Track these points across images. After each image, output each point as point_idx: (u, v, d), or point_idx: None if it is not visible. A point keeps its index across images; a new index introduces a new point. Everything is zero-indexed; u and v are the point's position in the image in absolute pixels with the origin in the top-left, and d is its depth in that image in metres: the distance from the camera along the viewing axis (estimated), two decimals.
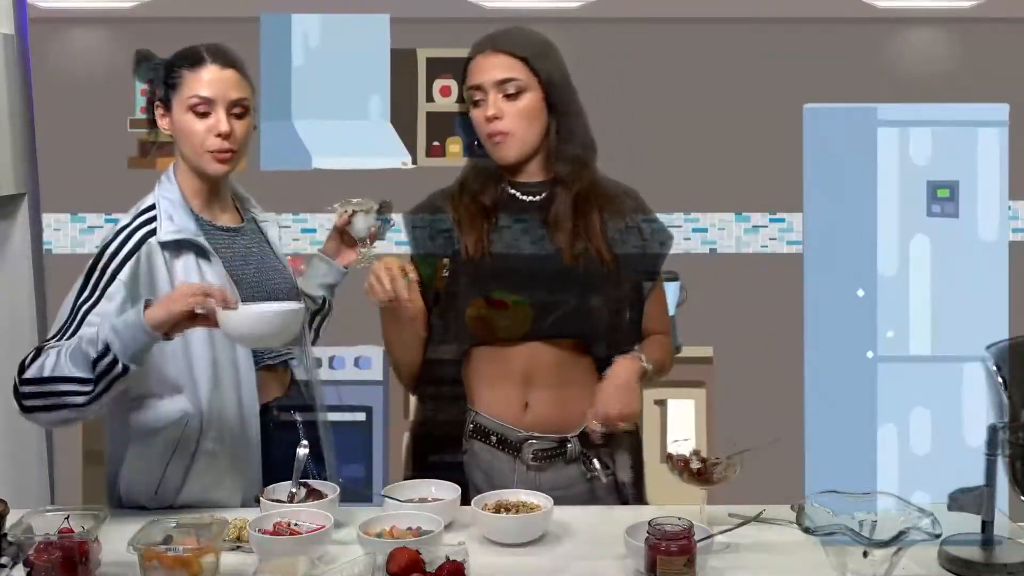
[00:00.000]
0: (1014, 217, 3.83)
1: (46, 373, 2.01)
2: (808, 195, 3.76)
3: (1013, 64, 3.87)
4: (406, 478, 2.32)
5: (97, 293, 2.09)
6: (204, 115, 2.18)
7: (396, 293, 2.14)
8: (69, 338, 2.06)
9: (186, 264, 2.17)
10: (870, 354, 3.66)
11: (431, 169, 4.09)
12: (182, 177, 2.24)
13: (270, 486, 2.13)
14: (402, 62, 4.22)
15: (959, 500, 1.93)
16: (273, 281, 2.31)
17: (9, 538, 1.87)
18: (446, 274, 2.31)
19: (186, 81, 2.19)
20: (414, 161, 4.23)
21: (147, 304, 1.99)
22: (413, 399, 2.48)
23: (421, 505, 2.10)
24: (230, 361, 2.19)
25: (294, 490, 2.11)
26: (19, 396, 2.04)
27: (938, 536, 1.76)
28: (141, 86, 2.27)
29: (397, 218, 2.35)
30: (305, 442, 2.16)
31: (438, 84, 4.29)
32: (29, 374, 2.03)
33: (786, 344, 3.72)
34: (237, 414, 2.21)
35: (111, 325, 1.99)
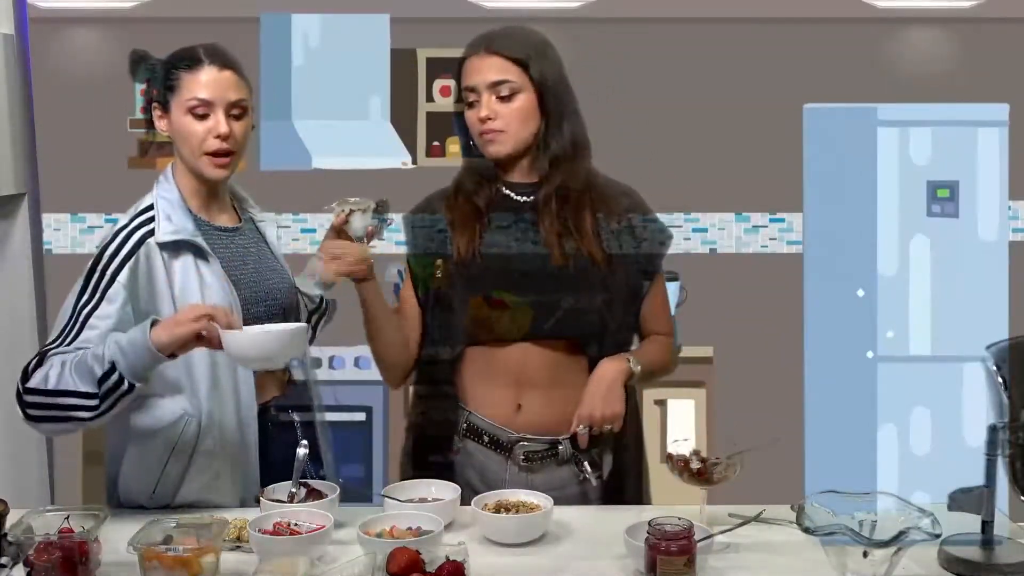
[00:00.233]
0: (1014, 217, 3.84)
1: (51, 385, 2.01)
2: (808, 195, 3.76)
3: (1013, 64, 3.88)
4: (403, 478, 2.32)
5: (97, 296, 2.09)
6: (203, 117, 2.18)
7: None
8: (71, 342, 2.06)
9: (184, 265, 2.17)
10: (870, 354, 3.66)
11: (431, 169, 4.09)
12: (180, 177, 2.24)
13: (270, 486, 2.12)
14: (402, 62, 4.22)
15: (959, 500, 1.93)
16: (271, 281, 2.30)
17: (9, 538, 1.87)
18: (439, 274, 2.32)
19: (184, 83, 2.18)
20: (414, 161, 4.24)
21: (153, 322, 2.00)
22: (412, 397, 2.48)
23: (421, 505, 2.10)
24: (229, 362, 2.18)
25: (294, 490, 2.11)
26: (23, 404, 2.04)
27: (938, 536, 1.76)
28: (140, 86, 2.27)
29: (395, 217, 2.35)
30: (305, 442, 2.16)
31: (438, 84, 4.29)
32: (33, 383, 2.02)
33: (786, 344, 3.72)
34: (236, 414, 2.21)
35: (117, 344, 1.99)
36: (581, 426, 2.24)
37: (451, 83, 4.18)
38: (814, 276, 3.74)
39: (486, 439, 2.31)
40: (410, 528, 1.95)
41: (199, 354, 2.13)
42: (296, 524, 1.94)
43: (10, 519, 1.91)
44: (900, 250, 3.69)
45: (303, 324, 2.10)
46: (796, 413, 3.67)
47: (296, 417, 2.32)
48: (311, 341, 2.42)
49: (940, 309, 3.66)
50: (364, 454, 4.12)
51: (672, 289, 3.85)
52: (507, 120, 2.27)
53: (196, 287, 2.16)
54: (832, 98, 3.77)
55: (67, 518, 1.91)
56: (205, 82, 2.17)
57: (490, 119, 2.26)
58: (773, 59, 4.06)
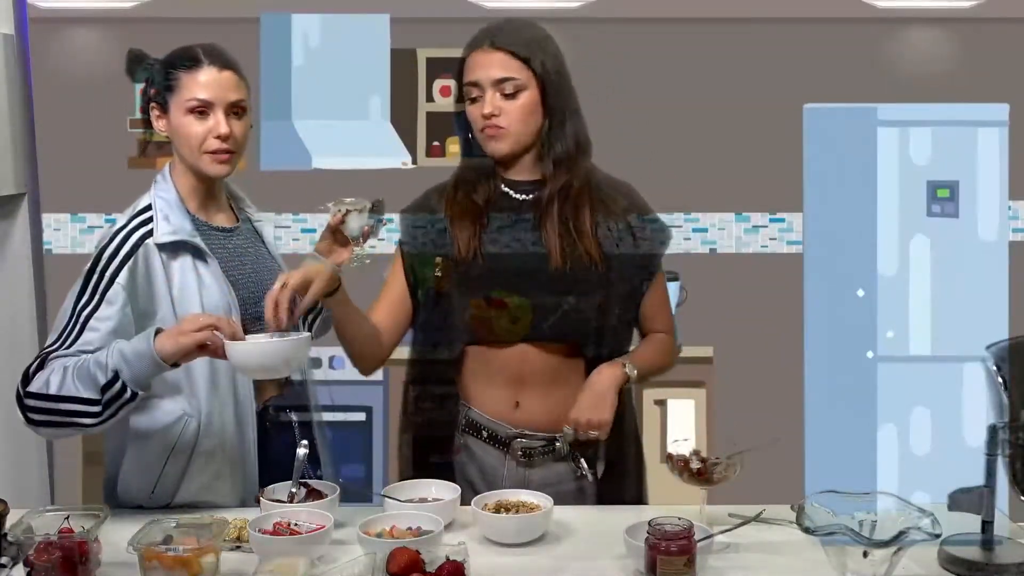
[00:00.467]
0: (1014, 217, 3.83)
1: (52, 390, 2.01)
2: (808, 195, 3.76)
3: (1013, 64, 3.88)
4: (401, 478, 2.32)
5: (97, 297, 2.09)
6: (203, 117, 2.18)
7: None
8: (71, 344, 2.06)
9: (183, 265, 2.17)
10: (870, 354, 3.66)
11: (431, 169, 4.08)
12: (178, 177, 2.24)
13: (270, 486, 2.12)
14: (402, 62, 4.22)
15: (959, 500, 1.93)
16: (269, 281, 2.30)
17: (9, 538, 1.87)
18: (439, 273, 2.31)
19: (183, 83, 2.18)
20: (414, 161, 4.24)
21: (156, 331, 2.00)
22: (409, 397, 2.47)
23: (421, 505, 2.10)
24: (227, 363, 2.18)
25: (294, 490, 2.11)
26: (24, 408, 2.04)
27: (938, 536, 1.76)
28: (140, 86, 2.27)
29: (390, 217, 2.35)
30: (305, 442, 2.16)
31: (438, 84, 4.29)
32: (35, 387, 2.02)
33: (786, 344, 3.72)
34: (234, 414, 2.21)
35: (120, 353, 1.99)
36: (567, 428, 2.26)
37: (451, 83, 4.18)
38: (814, 276, 3.74)
39: (484, 434, 2.32)
40: (410, 528, 1.95)
41: None
42: (296, 524, 1.94)
43: (10, 519, 1.91)
44: (900, 250, 3.69)
45: (306, 335, 2.09)
46: (796, 413, 3.67)
47: (294, 417, 2.32)
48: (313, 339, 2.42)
49: (940, 309, 3.66)
50: (364, 454, 4.12)
51: (672, 289, 3.84)
52: (510, 117, 2.26)
53: (194, 287, 2.16)
54: (832, 98, 3.77)
55: (67, 518, 1.91)
56: (204, 82, 2.17)
57: (494, 115, 2.25)
58: (773, 59, 4.06)
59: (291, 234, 4.00)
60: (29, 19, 3.10)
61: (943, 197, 3.68)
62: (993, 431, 1.90)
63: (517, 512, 2.05)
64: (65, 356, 2.04)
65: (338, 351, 4.16)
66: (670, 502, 2.08)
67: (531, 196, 2.32)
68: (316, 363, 2.18)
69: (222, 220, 2.29)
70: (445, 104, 4.20)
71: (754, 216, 4.18)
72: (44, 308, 3.13)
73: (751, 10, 4.05)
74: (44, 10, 3.91)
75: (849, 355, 3.68)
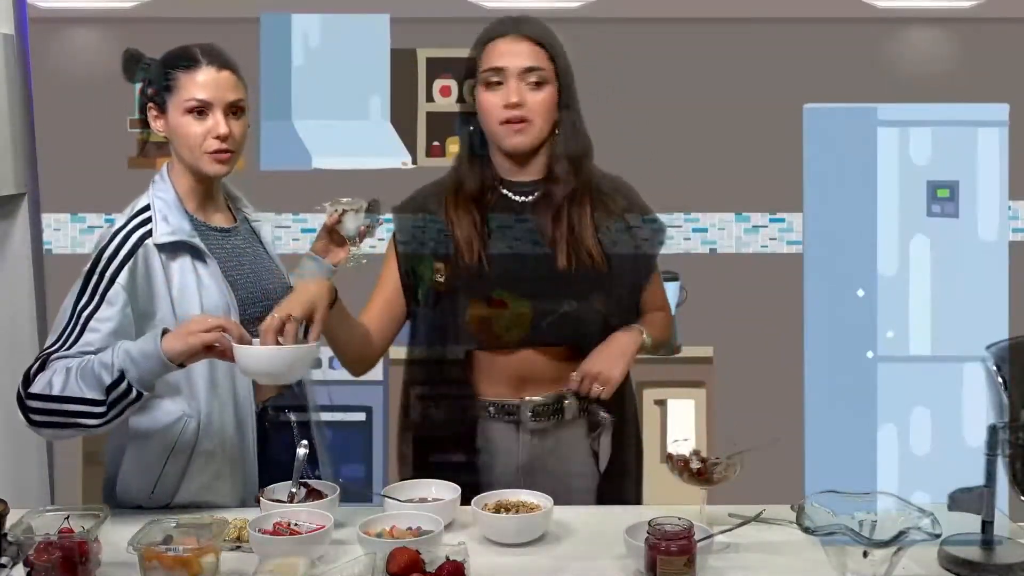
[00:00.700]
0: (1014, 217, 3.83)
1: (55, 391, 2.01)
2: (808, 195, 3.76)
3: (1013, 64, 3.88)
4: (402, 478, 2.32)
5: (97, 298, 2.09)
6: (202, 117, 2.18)
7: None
8: (71, 346, 2.06)
9: (182, 266, 2.17)
10: (870, 354, 3.66)
11: (431, 169, 4.06)
12: (176, 177, 2.23)
13: (270, 486, 2.12)
14: (402, 62, 4.22)
15: (959, 500, 1.93)
16: (267, 281, 2.30)
17: (9, 538, 1.87)
18: (440, 278, 2.30)
19: (182, 83, 2.18)
20: (414, 161, 4.24)
21: (164, 331, 2.00)
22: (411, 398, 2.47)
23: (421, 505, 2.10)
24: (227, 363, 2.18)
25: (294, 490, 2.11)
26: (26, 410, 2.03)
27: (938, 536, 1.76)
28: (139, 86, 2.27)
29: (388, 217, 2.35)
30: (305, 442, 2.16)
31: (438, 84, 4.29)
32: (37, 388, 2.02)
33: (786, 344, 3.72)
34: (234, 414, 2.21)
35: (127, 353, 1.99)
36: (574, 375, 2.25)
37: (451, 83, 4.20)
38: (814, 276, 3.74)
39: (492, 411, 2.31)
40: (410, 528, 1.95)
41: None
42: (296, 524, 1.94)
43: (10, 519, 1.91)
44: (900, 250, 3.69)
45: (314, 345, 2.09)
46: (796, 413, 3.67)
47: (293, 417, 2.32)
48: None
49: (940, 309, 3.66)
50: (364, 454, 4.12)
51: (672, 289, 3.85)
52: (534, 110, 2.21)
53: (194, 288, 2.16)
54: (832, 98, 3.77)
55: (67, 518, 1.91)
56: (203, 82, 2.17)
57: (519, 105, 2.20)
58: (773, 59, 4.06)
59: (291, 234, 3.99)
60: (29, 19, 3.11)
61: (943, 197, 3.68)
62: (993, 431, 1.90)
63: (517, 512, 2.05)
64: (67, 357, 2.04)
65: None
66: (670, 502, 2.08)
67: (531, 198, 2.31)
68: (316, 363, 2.17)
69: (220, 220, 2.29)
70: (445, 104, 4.20)
71: (754, 216, 4.18)
72: (44, 308, 3.13)
73: (751, 10, 4.05)
74: (44, 10, 3.91)
75: (849, 355, 3.68)
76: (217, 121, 2.17)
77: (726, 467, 2.01)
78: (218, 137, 2.17)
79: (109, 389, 1.98)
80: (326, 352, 4.05)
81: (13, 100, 3.01)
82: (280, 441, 2.26)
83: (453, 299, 2.30)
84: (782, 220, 4.18)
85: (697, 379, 4.09)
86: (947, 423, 3.59)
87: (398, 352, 2.43)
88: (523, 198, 2.31)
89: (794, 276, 3.75)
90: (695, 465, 2.01)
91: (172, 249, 2.16)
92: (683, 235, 4.14)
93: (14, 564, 1.84)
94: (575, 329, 2.29)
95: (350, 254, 2.32)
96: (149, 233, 2.15)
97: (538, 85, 2.22)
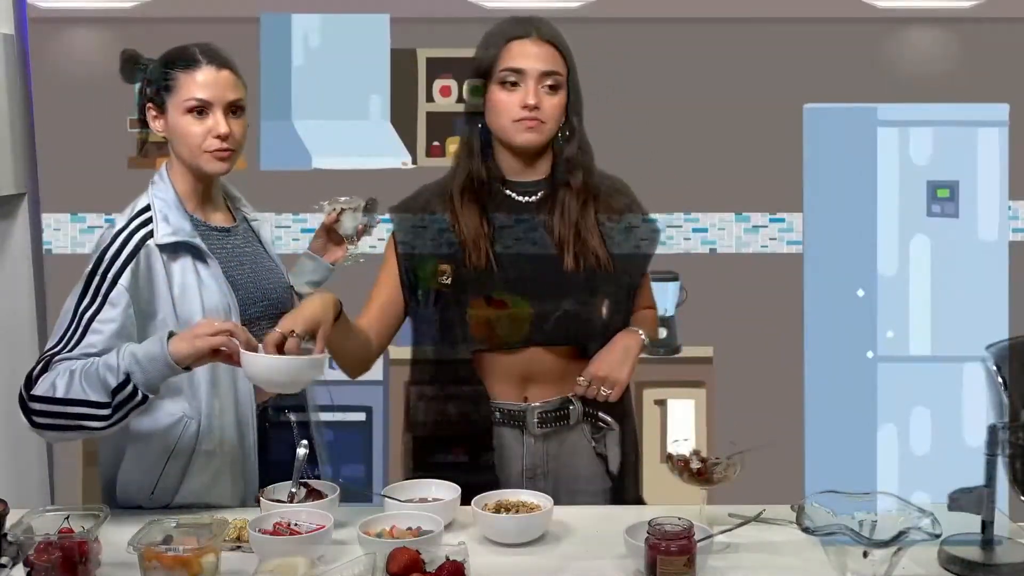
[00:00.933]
0: (1014, 217, 3.83)
1: (59, 393, 2.00)
2: (808, 195, 3.76)
3: (1013, 64, 3.87)
4: (405, 478, 2.32)
5: (99, 299, 2.08)
6: (201, 116, 2.17)
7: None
8: (73, 347, 2.05)
9: (183, 266, 2.17)
10: (870, 354, 3.66)
11: (431, 169, 4.06)
12: (176, 177, 2.23)
13: (270, 486, 2.12)
14: (402, 62, 4.22)
15: (959, 500, 1.93)
16: (267, 281, 2.30)
17: (9, 538, 1.87)
18: (447, 280, 2.30)
19: (181, 83, 2.18)
20: (414, 161, 4.23)
21: (170, 334, 1.99)
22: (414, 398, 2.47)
23: (421, 505, 2.10)
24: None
25: (294, 490, 2.11)
26: (29, 412, 2.02)
27: (938, 536, 1.76)
28: (138, 86, 2.26)
29: (385, 217, 2.35)
30: (305, 442, 2.16)
31: (438, 84, 4.28)
32: (40, 390, 2.01)
33: (786, 344, 3.72)
34: (234, 415, 2.21)
35: (133, 356, 1.99)
36: (581, 378, 2.26)
37: (451, 83, 4.20)
38: (814, 276, 3.74)
39: (498, 416, 2.31)
40: (410, 528, 1.95)
41: None
42: (296, 524, 1.94)
43: (10, 519, 1.91)
44: (900, 250, 3.69)
45: (322, 356, 2.08)
46: (796, 413, 3.67)
47: (293, 417, 2.32)
48: None
49: (940, 309, 3.66)
50: (364, 454, 4.11)
51: (672, 289, 3.86)
52: (548, 113, 2.24)
53: (195, 288, 2.16)
54: (832, 98, 3.77)
55: (67, 518, 1.92)
56: (203, 82, 2.17)
57: (536, 108, 2.23)
58: (773, 59, 4.05)
59: (291, 234, 3.99)
60: (29, 19, 3.11)
61: (943, 197, 3.68)
62: (993, 431, 1.90)
63: (517, 512, 2.05)
64: (69, 359, 2.04)
65: None
66: (670, 502, 2.08)
67: (534, 198, 2.31)
68: (321, 373, 2.17)
69: (219, 220, 2.29)
70: (445, 104, 4.20)
71: (754, 216, 4.17)
72: (44, 308, 3.14)
73: (751, 10, 4.04)
74: (44, 10, 3.90)
75: (849, 355, 3.68)
76: (217, 120, 2.17)
77: (726, 467, 2.01)
78: (218, 136, 2.17)
79: (114, 392, 1.98)
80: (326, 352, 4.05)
81: (13, 100, 3.02)
82: (280, 441, 2.26)
83: (459, 300, 2.30)
84: (782, 220, 4.18)
85: (697, 379, 4.08)
86: (947, 423, 3.59)
87: (398, 352, 2.43)
88: (526, 198, 2.32)
89: (794, 276, 3.75)
90: (695, 465, 2.01)
91: (173, 249, 2.16)
92: (683, 235, 4.14)
93: (14, 564, 1.84)
94: (580, 328, 2.30)
95: (348, 253, 2.33)
96: (150, 234, 2.14)
97: (553, 89, 2.25)
